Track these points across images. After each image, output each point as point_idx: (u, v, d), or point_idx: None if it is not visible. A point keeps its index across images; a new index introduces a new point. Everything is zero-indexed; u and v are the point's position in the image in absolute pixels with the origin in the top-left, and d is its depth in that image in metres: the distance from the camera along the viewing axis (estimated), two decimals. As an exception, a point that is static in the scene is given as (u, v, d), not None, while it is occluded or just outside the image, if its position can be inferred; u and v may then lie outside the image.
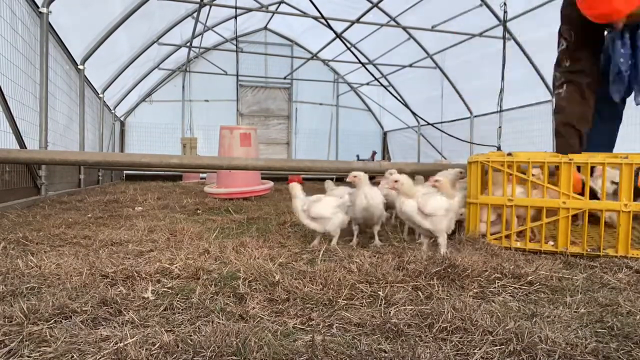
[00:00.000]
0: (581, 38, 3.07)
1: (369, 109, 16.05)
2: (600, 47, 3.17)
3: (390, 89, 11.06)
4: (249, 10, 10.78)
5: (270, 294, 1.72)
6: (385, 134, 16.24)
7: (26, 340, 1.28)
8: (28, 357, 1.20)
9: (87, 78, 8.10)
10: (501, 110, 6.48)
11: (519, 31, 8.75)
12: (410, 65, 12.02)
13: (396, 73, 12.89)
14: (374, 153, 14.95)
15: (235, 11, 8.75)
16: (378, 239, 2.87)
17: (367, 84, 14.15)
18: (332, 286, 1.77)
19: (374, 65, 12.61)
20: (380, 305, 1.63)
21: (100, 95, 9.75)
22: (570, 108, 3.11)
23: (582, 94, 3.08)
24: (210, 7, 9.42)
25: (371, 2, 9.36)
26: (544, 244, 2.59)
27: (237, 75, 11.37)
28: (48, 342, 1.27)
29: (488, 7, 8.88)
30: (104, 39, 7.85)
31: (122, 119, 13.24)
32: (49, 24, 5.54)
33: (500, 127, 6.46)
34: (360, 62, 7.41)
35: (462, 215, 2.94)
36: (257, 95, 15.23)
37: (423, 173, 4.03)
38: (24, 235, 2.76)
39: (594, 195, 2.59)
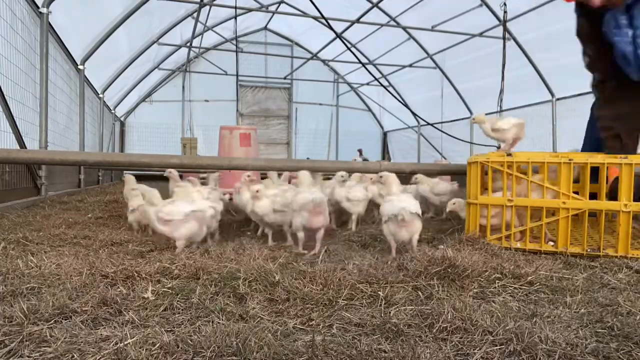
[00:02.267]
0: (594, 50, 3.05)
1: (369, 109, 16.05)
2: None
3: (390, 89, 11.07)
4: (249, 10, 10.78)
5: (270, 294, 1.72)
6: (385, 134, 16.24)
7: (26, 341, 1.28)
8: (28, 357, 1.20)
9: (87, 78, 8.10)
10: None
11: (519, 31, 8.76)
12: (410, 65, 12.03)
13: (396, 73, 12.90)
14: (360, 151, 14.78)
15: (235, 11, 8.75)
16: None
17: (367, 84, 14.16)
18: (332, 286, 1.77)
19: (374, 65, 12.61)
20: (380, 305, 1.63)
21: (100, 96, 9.75)
22: (601, 113, 3.12)
23: (606, 99, 3.09)
24: (210, 7, 9.43)
25: (371, 2, 9.37)
26: (543, 244, 2.59)
27: (237, 76, 11.41)
28: (48, 342, 1.27)
29: (488, 7, 8.88)
30: (103, 39, 7.85)
31: (122, 119, 13.25)
32: (49, 24, 5.54)
33: (500, 127, 6.46)
34: (360, 62, 7.42)
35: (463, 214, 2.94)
36: (257, 96, 15.24)
37: (423, 173, 4.03)
38: (24, 235, 2.76)
39: None
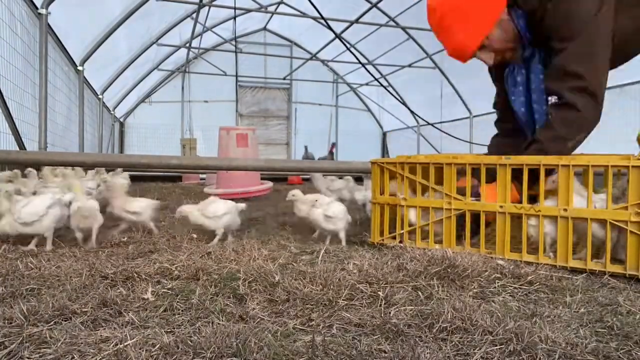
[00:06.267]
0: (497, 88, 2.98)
1: (369, 109, 16.06)
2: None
3: (389, 89, 11.09)
4: (248, 10, 10.79)
5: (270, 294, 1.72)
6: (384, 134, 16.25)
7: (26, 342, 1.28)
8: (28, 358, 1.20)
9: (86, 79, 8.10)
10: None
11: (518, 31, 8.76)
12: (410, 66, 12.03)
13: (395, 73, 12.90)
14: (333, 145, 14.71)
15: (235, 12, 8.75)
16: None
17: (367, 84, 14.16)
18: (332, 287, 1.77)
19: (374, 65, 12.62)
20: (380, 305, 1.63)
21: (100, 96, 9.76)
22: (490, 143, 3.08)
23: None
24: (210, 7, 9.43)
25: (370, 2, 9.38)
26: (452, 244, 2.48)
27: (237, 76, 11.42)
28: (48, 343, 1.27)
29: (487, 7, 8.87)
30: (103, 40, 7.85)
31: (121, 119, 13.24)
32: (48, 25, 5.54)
33: (499, 127, 6.46)
34: (359, 62, 7.42)
35: None
36: (257, 96, 15.25)
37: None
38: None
39: None
